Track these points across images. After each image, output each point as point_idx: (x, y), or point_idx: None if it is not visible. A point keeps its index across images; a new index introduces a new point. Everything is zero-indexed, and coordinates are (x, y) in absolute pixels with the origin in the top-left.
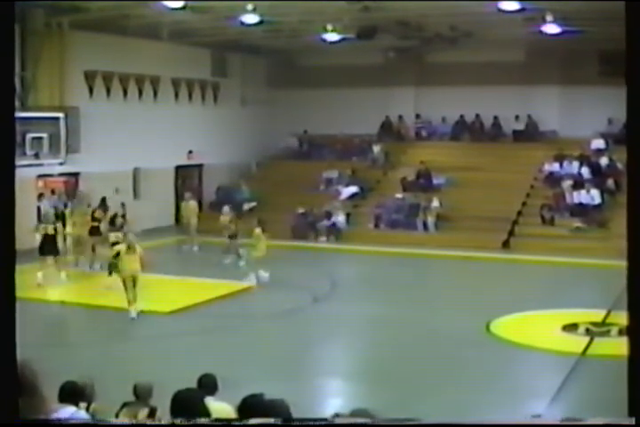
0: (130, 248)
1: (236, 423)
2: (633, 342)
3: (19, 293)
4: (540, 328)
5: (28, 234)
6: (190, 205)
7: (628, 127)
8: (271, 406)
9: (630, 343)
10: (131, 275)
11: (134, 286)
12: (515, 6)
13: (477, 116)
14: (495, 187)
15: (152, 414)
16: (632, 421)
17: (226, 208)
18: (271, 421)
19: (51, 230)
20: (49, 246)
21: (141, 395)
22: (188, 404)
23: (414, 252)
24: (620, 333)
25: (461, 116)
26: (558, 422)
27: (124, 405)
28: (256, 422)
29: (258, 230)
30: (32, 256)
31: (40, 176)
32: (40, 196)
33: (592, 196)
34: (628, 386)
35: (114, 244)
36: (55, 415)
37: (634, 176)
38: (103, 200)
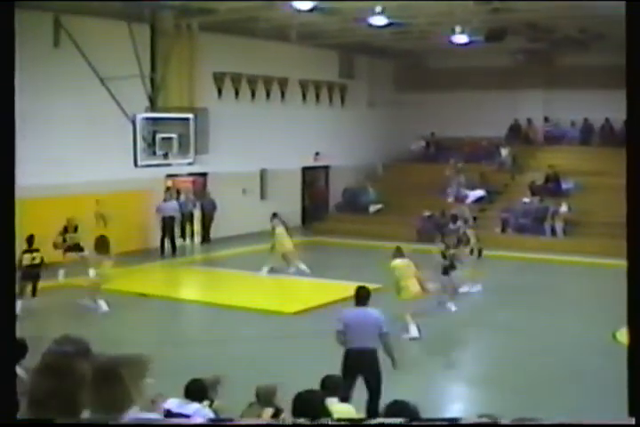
0: None
1: (355, 424)
2: (633, 341)
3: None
4: None
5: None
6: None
7: (627, 127)
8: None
9: (630, 343)
10: None
11: None
12: None
13: (607, 120)
14: (625, 192)
15: (277, 414)
16: (632, 421)
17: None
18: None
19: None
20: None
21: (262, 397)
22: (309, 405)
23: (541, 257)
24: None
25: (587, 120)
26: (558, 423)
27: (250, 405)
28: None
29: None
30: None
31: (169, 176)
32: (171, 195)
33: None
34: (628, 386)
35: None
36: (179, 411)
37: (634, 176)
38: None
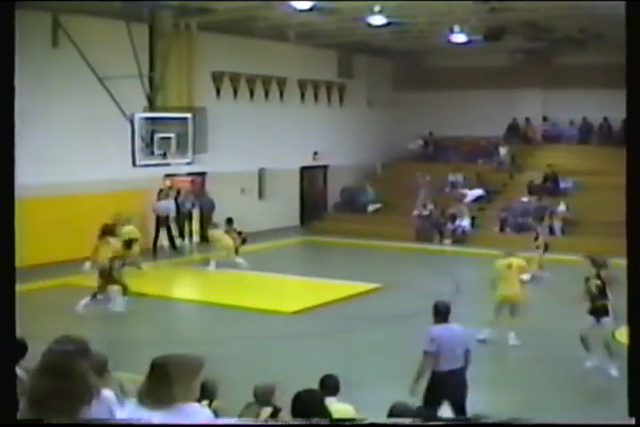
0: None
1: (351, 423)
2: (633, 342)
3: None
4: None
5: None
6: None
7: (627, 127)
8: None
9: (630, 343)
10: None
11: None
12: None
13: (605, 119)
14: (623, 191)
15: (275, 413)
16: (632, 421)
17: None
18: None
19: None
20: None
21: (260, 396)
22: (308, 405)
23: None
24: None
25: (586, 119)
26: (557, 423)
27: (248, 405)
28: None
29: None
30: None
31: (167, 175)
32: (166, 195)
33: None
34: (628, 386)
35: None
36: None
37: (633, 175)
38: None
